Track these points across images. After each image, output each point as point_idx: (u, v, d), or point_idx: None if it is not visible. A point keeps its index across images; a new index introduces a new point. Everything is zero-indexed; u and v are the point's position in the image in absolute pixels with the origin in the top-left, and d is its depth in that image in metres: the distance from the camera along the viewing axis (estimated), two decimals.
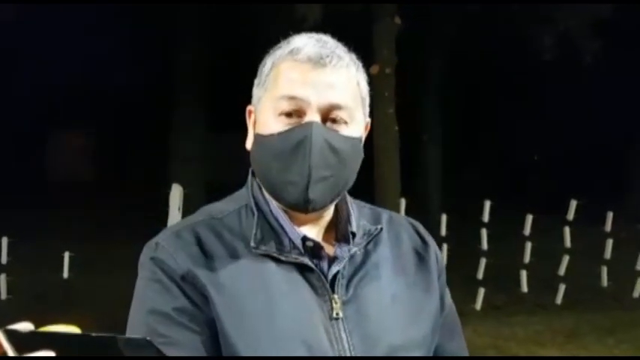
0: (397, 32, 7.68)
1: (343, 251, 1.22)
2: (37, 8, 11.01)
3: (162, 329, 1.12)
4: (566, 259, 7.59)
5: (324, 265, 1.20)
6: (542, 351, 6.04)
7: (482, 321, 6.66)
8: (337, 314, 1.17)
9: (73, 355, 0.74)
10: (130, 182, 14.68)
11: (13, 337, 0.72)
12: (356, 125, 1.22)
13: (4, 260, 7.03)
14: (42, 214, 11.31)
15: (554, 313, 7.21)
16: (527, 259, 7.67)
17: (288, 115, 1.18)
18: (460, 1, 10.19)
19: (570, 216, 7.58)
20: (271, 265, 1.17)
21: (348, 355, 1.15)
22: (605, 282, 8.00)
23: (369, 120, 1.28)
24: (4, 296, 7.03)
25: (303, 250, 1.19)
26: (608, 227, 8.02)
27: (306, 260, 1.18)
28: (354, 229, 1.24)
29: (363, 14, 7.85)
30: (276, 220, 1.21)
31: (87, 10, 11.80)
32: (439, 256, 1.34)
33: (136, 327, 1.15)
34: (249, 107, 1.27)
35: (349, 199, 1.29)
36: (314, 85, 1.17)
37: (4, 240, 7.03)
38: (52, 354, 0.73)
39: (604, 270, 7.98)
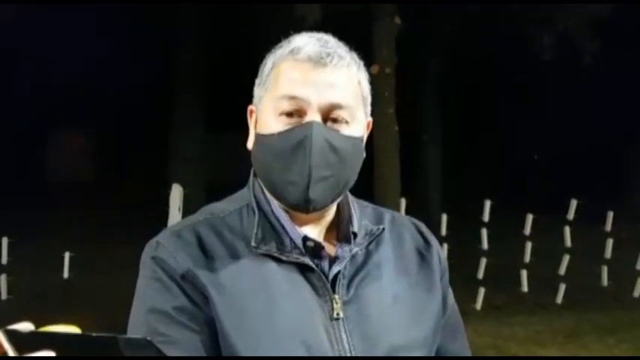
0: (397, 32, 7.68)
1: (344, 251, 1.22)
2: (37, 8, 11.01)
3: (162, 328, 1.12)
4: (566, 258, 7.59)
5: (325, 265, 1.20)
6: (542, 351, 6.04)
7: (483, 321, 6.66)
8: (338, 314, 1.17)
9: (73, 355, 0.74)
10: (130, 182, 14.68)
11: (14, 337, 0.72)
12: (357, 125, 1.21)
13: (4, 260, 7.03)
14: (42, 214, 11.31)
15: (555, 312, 7.21)
16: (527, 258, 7.67)
17: (289, 114, 1.17)
18: (460, 1, 10.19)
19: (570, 216, 7.58)
20: (272, 265, 1.17)
21: (349, 355, 1.15)
22: (605, 282, 8.00)
23: (370, 119, 1.28)
24: (4, 296, 7.03)
25: (304, 250, 1.19)
26: (608, 227, 8.02)
27: (306, 260, 1.18)
28: (355, 229, 1.24)
29: (362, 14, 7.85)
30: (278, 219, 1.21)
31: (87, 10, 11.81)
32: (442, 256, 1.34)
33: (136, 325, 1.16)
34: (250, 107, 1.27)
35: (351, 198, 1.29)
36: (314, 84, 1.17)
37: (4, 240, 7.03)
38: (52, 354, 0.73)
39: (604, 270, 7.98)
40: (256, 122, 1.24)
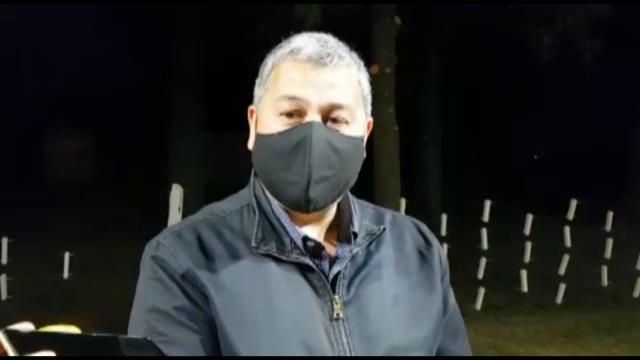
0: (397, 32, 7.68)
1: (345, 251, 1.22)
2: (37, 8, 11.02)
3: (161, 328, 1.12)
4: (566, 258, 7.59)
5: (326, 265, 1.20)
6: (542, 351, 6.04)
7: (482, 321, 6.66)
8: (338, 315, 1.17)
9: (73, 355, 0.74)
10: (130, 182, 14.69)
11: (14, 337, 0.72)
12: (357, 125, 1.21)
13: (4, 260, 7.03)
14: (42, 214, 11.31)
15: (554, 312, 7.21)
16: (527, 258, 7.68)
17: (289, 115, 1.17)
18: (460, 1, 10.19)
19: (570, 216, 7.59)
20: (272, 265, 1.17)
21: (349, 355, 1.15)
22: (605, 282, 8.00)
23: (371, 119, 1.28)
24: (4, 296, 7.03)
25: (304, 250, 1.19)
26: (608, 227, 8.02)
27: (307, 260, 1.18)
28: (355, 229, 1.24)
29: (362, 14, 7.85)
30: (278, 219, 1.21)
31: (86, 10, 11.81)
32: (443, 256, 1.33)
33: (136, 325, 1.16)
34: (250, 107, 1.27)
35: (352, 199, 1.29)
36: (314, 84, 1.16)
37: (4, 240, 7.03)
38: (52, 354, 0.73)
39: (604, 270, 7.98)
40: (257, 122, 1.24)
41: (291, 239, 1.19)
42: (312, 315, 1.15)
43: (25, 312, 5.59)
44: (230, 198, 1.28)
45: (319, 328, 1.14)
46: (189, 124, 11.11)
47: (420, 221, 1.38)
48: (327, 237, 1.24)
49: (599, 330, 6.54)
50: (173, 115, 11.27)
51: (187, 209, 5.29)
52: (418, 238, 1.32)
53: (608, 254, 7.97)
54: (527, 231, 7.61)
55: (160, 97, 12.20)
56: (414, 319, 1.23)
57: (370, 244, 1.25)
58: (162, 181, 9.03)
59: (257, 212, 1.21)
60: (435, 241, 1.34)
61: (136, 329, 1.15)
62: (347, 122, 1.19)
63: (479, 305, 7.17)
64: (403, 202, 7.37)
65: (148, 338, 0.81)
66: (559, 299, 7.47)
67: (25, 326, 0.74)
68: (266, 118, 1.20)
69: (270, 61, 1.23)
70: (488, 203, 7.51)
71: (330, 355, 1.14)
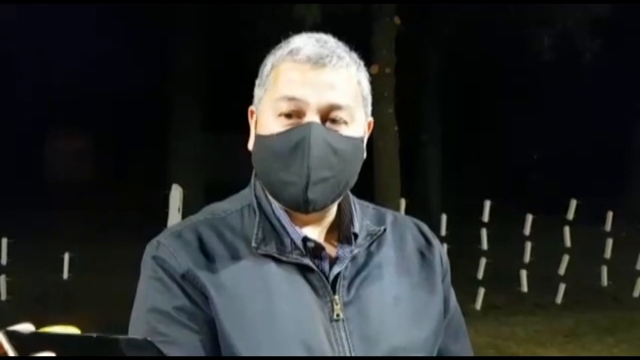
0: (397, 32, 7.68)
1: (345, 252, 1.22)
2: (37, 8, 11.02)
3: (162, 328, 1.12)
4: (566, 258, 7.59)
5: (326, 265, 1.20)
6: (541, 351, 6.04)
7: (482, 321, 6.66)
8: (338, 315, 1.17)
9: (73, 356, 0.74)
10: (130, 182, 14.68)
11: (14, 338, 0.72)
12: (357, 125, 1.21)
13: (3, 261, 7.02)
14: (41, 214, 11.30)
15: (554, 312, 7.21)
16: (527, 258, 7.68)
17: (288, 115, 1.17)
18: (460, 1, 10.19)
19: (570, 216, 7.59)
20: (272, 266, 1.17)
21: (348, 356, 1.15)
22: (605, 282, 8.00)
23: (371, 119, 1.28)
24: (3, 297, 7.03)
25: (304, 251, 1.19)
26: (608, 227, 8.02)
27: (307, 261, 1.18)
28: (356, 229, 1.24)
29: (362, 14, 7.85)
30: (278, 220, 1.21)
31: (86, 10, 11.81)
32: (444, 256, 1.33)
33: (136, 325, 1.16)
34: (250, 108, 1.27)
35: (353, 199, 1.29)
36: (313, 85, 1.16)
37: (4, 240, 7.03)
38: (53, 355, 0.73)
39: (604, 270, 7.98)
40: (256, 123, 1.24)
41: (292, 240, 1.19)
42: (312, 316, 1.15)
43: (25, 312, 5.59)
44: (231, 198, 1.28)
45: (319, 328, 1.14)
46: (189, 124, 11.11)
47: (421, 221, 1.37)
48: (327, 237, 1.24)
49: (599, 330, 6.54)
50: (173, 115, 11.27)
51: (187, 209, 5.29)
52: (419, 239, 1.32)
53: (608, 254, 7.97)
54: (527, 231, 7.61)
55: (159, 97, 12.19)
56: (414, 320, 1.22)
57: (371, 244, 1.25)
58: (162, 181, 9.02)
59: (257, 213, 1.21)
60: (436, 241, 1.34)
61: (136, 329, 1.15)
62: (346, 123, 1.19)
63: (479, 305, 7.17)
64: (403, 202, 7.37)
65: (148, 339, 0.81)
66: (559, 299, 7.47)
67: (26, 327, 0.75)
68: (265, 118, 1.20)
69: (269, 61, 1.23)
70: (488, 203, 7.51)
71: (330, 355, 1.14)
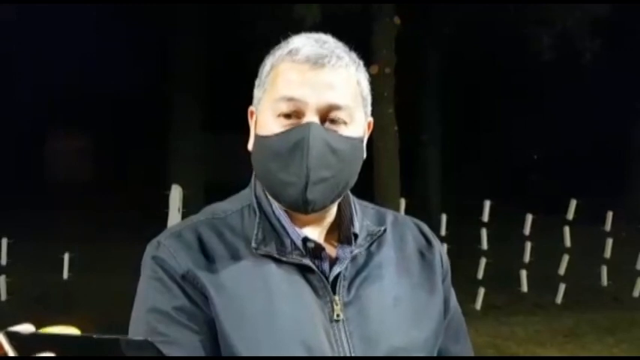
0: (396, 32, 7.68)
1: (345, 252, 1.22)
2: (37, 8, 11.02)
3: (161, 328, 1.12)
4: (566, 258, 7.59)
5: (326, 266, 1.20)
6: (541, 351, 6.04)
7: (482, 320, 6.66)
8: (338, 316, 1.17)
9: (73, 356, 0.74)
10: (130, 183, 14.68)
11: (15, 339, 0.72)
12: (356, 125, 1.21)
13: (3, 261, 7.02)
14: (41, 214, 11.30)
15: (554, 312, 7.21)
16: (527, 258, 7.68)
17: (287, 116, 1.17)
18: (460, 1, 10.19)
19: (570, 216, 7.59)
20: (272, 266, 1.17)
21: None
22: (605, 282, 8.00)
23: (371, 119, 1.27)
24: (3, 297, 7.02)
25: (304, 251, 1.19)
26: (608, 227, 8.03)
27: (307, 261, 1.18)
28: (356, 230, 1.23)
29: (362, 14, 7.85)
30: (278, 220, 1.21)
31: (86, 10, 11.81)
32: (444, 257, 1.33)
33: (136, 325, 1.16)
34: (250, 108, 1.27)
35: (353, 199, 1.29)
36: (312, 85, 1.16)
37: (4, 241, 7.03)
38: (53, 355, 0.73)
39: (604, 270, 7.99)
40: (256, 123, 1.24)
41: (292, 240, 1.19)
42: (312, 316, 1.15)
43: (25, 313, 5.59)
44: (231, 198, 1.28)
45: (319, 329, 1.14)
46: (189, 124, 11.12)
47: (421, 222, 1.37)
48: (327, 238, 1.24)
49: (598, 330, 6.54)
50: (173, 115, 11.27)
51: (187, 209, 5.30)
52: (419, 239, 1.32)
53: (607, 254, 7.97)
54: (526, 231, 7.61)
55: (160, 97, 12.20)
56: (414, 321, 1.22)
57: (371, 244, 1.25)
58: (162, 181, 9.01)
59: (257, 213, 1.21)
60: (436, 241, 1.34)
61: (136, 329, 1.15)
62: (345, 123, 1.19)
63: (479, 305, 7.18)
64: (403, 202, 7.37)
65: (149, 339, 0.81)
66: (559, 299, 7.47)
67: (26, 328, 0.75)
68: (265, 119, 1.20)
69: (268, 62, 1.23)
70: (487, 203, 7.51)
71: (330, 356, 1.14)
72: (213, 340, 1.13)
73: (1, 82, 13.14)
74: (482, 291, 7.21)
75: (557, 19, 9.25)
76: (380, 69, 7.30)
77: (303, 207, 1.16)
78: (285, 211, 1.21)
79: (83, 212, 11.73)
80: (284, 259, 1.17)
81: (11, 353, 0.72)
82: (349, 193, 1.27)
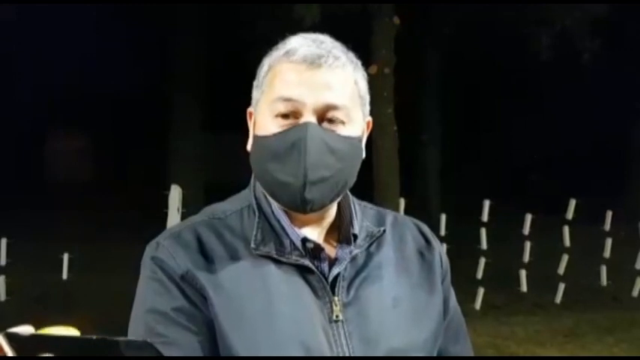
0: (396, 32, 7.68)
1: (344, 253, 1.22)
2: (37, 8, 11.01)
3: (160, 328, 1.12)
4: (565, 258, 7.60)
5: (325, 266, 1.20)
6: (541, 350, 6.04)
7: (482, 320, 6.66)
8: (337, 316, 1.17)
9: (73, 356, 0.74)
10: (130, 183, 14.68)
11: (14, 340, 0.72)
12: (354, 125, 1.21)
13: (3, 261, 7.01)
14: (41, 214, 11.30)
15: (554, 312, 7.21)
16: (526, 258, 7.68)
17: (285, 116, 1.17)
18: (460, 1, 10.19)
19: (570, 215, 7.59)
20: (271, 267, 1.17)
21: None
22: (604, 281, 8.01)
23: (369, 119, 1.28)
24: (3, 297, 7.02)
25: (303, 252, 1.19)
26: (607, 226, 8.03)
27: (306, 262, 1.18)
28: (355, 230, 1.24)
29: (362, 14, 7.85)
30: (278, 221, 1.21)
31: (86, 10, 11.81)
32: (443, 257, 1.33)
33: (135, 325, 1.16)
34: (249, 109, 1.27)
35: (353, 200, 1.29)
36: (309, 85, 1.16)
37: (3, 241, 7.02)
38: (52, 356, 0.73)
39: (603, 269, 7.99)
40: (255, 124, 1.24)
41: (291, 240, 1.19)
42: (311, 317, 1.15)
43: (25, 313, 5.59)
44: (231, 199, 1.28)
45: (318, 329, 1.15)
46: (189, 124, 11.12)
47: (421, 222, 1.37)
48: (327, 238, 1.24)
49: (598, 329, 6.54)
50: (173, 115, 11.27)
51: (187, 210, 5.29)
52: (419, 239, 1.32)
53: (607, 254, 7.97)
54: (526, 231, 7.61)
55: (160, 97, 12.20)
56: (414, 321, 1.22)
57: (370, 245, 1.25)
58: (162, 181, 9.01)
59: (257, 213, 1.21)
60: (436, 242, 1.34)
61: (135, 330, 1.16)
62: (343, 122, 1.19)
63: (478, 305, 7.18)
64: (402, 202, 7.37)
65: (148, 341, 0.81)
66: (558, 299, 7.48)
67: (25, 329, 0.75)
68: (263, 119, 1.20)
69: (266, 63, 1.23)
70: (487, 203, 7.51)
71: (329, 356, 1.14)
72: (212, 341, 1.13)
73: (1, 82, 13.13)
74: (481, 291, 7.21)
75: (557, 19, 9.25)
76: (379, 69, 7.30)
77: (301, 207, 1.17)
78: (285, 212, 1.21)
79: (83, 212, 11.72)
80: (283, 259, 1.17)
81: (11, 354, 0.72)
82: (349, 193, 1.27)
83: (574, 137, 14.80)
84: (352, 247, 1.22)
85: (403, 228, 1.32)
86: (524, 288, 7.68)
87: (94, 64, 13.61)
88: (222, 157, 12.89)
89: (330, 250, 1.22)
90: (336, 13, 7.68)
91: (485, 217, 7.53)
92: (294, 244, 1.19)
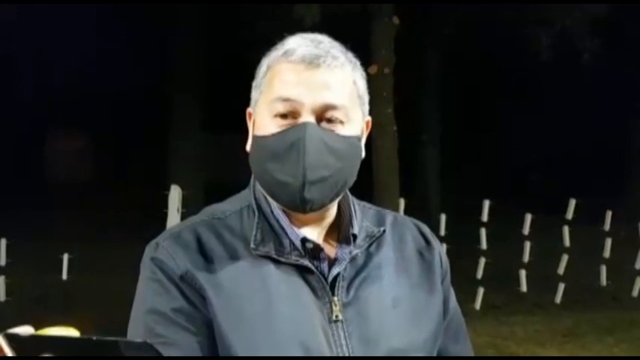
0: (396, 32, 7.68)
1: (344, 253, 1.22)
2: (37, 8, 11.01)
3: (159, 329, 1.12)
4: (565, 258, 7.60)
5: (325, 266, 1.20)
6: (541, 350, 6.04)
7: (482, 320, 6.66)
8: (337, 317, 1.17)
9: (73, 356, 0.74)
10: (130, 182, 14.67)
11: (14, 340, 0.72)
12: (353, 124, 1.21)
13: (2, 262, 7.01)
14: (41, 214, 11.30)
15: (554, 312, 7.21)
16: (526, 258, 7.68)
17: (283, 116, 1.18)
18: (459, 0, 10.19)
19: (569, 215, 7.59)
20: (271, 267, 1.17)
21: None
22: (604, 281, 8.01)
23: (369, 118, 1.28)
24: (2, 298, 7.02)
25: (303, 252, 1.19)
26: (607, 226, 8.03)
27: (305, 262, 1.18)
28: (355, 230, 1.24)
29: (361, 14, 7.85)
30: (277, 221, 1.21)
31: (86, 10, 11.81)
32: (443, 257, 1.33)
33: (135, 326, 1.17)
34: (248, 110, 1.27)
35: (353, 200, 1.29)
36: (307, 85, 1.17)
37: (3, 241, 7.02)
38: (52, 356, 0.73)
39: (603, 269, 7.99)
40: (254, 125, 1.24)
41: (290, 240, 1.19)
42: (311, 317, 1.15)
43: (24, 313, 5.59)
44: (231, 199, 1.28)
45: (318, 330, 1.15)
46: (189, 124, 11.11)
47: (421, 222, 1.38)
48: (326, 238, 1.24)
49: (598, 329, 6.54)
50: (173, 115, 11.27)
51: (187, 210, 5.30)
52: (419, 239, 1.32)
53: (607, 254, 7.97)
54: (526, 231, 7.61)
55: (160, 97, 12.19)
56: (413, 322, 1.22)
57: (370, 245, 1.25)
58: (162, 181, 9.01)
59: (257, 213, 1.21)
60: (435, 242, 1.34)
61: (134, 330, 1.16)
62: (342, 122, 1.19)
63: (478, 305, 7.18)
64: (402, 202, 7.37)
65: (148, 341, 0.82)
66: (558, 299, 7.48)
67: (25, 330, 0.75)
68: (262, 120, 1.21)
69: (264, 63, 1.24)
70: (487, 203, 7.51)
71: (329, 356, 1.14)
72: (212, 342, 1.13)
73: (1, 82, 13.13)
74: (481, 291, 7.22)
75: (557, 19, 9.25)
76: (379, 69, 7.30)
77: (301, 206, 1.17)
78: (285, 212, 1.21)
79: (83, 212, 11.72)
80: (283, 259, 1.17)
81: (10, 355, 0.72)
82: (348, 193, 1.28)
83: (574, 137, 14.80)
84: (352, 247, 1.22)
85: (403, 228, 1.32)
86: (524, 288, 7.68)
87: (94, 64, 13.60)
88: (222, 157, 12.89)
89: (330, 250, 1.22)
90: (336, 13, 7.68)
91: (485, 217, 7.53)
92: (293, 244, 1.19)
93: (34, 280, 7.52)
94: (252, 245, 1.18)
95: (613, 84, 12.64)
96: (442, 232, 7.42)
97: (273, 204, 1.22)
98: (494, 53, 12.63)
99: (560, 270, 7.57)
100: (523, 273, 7.68)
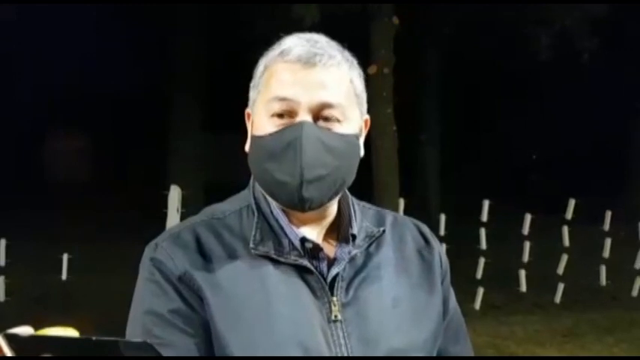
0: (395, 32, 7.68)
1: (343, 253, 1.22)
2: (37, 8, 11.01)
3: (156, 330, 1.13)
4: (565, 258, 7.60)
5: (324, 266, 1.20)
6: (541, 350, 6.04)
7: (481, 320, 6.66)
8: (336, 317, 1.17)
9: (73, 356, 0.74)
10: (130, 182, 14.67)
11: (14, 341, 0.72)
12: (350, 123, 1.21)
13: (2, 262, 7.01)
14: (41, 214, 11.29)
15: (553, 312, 7.21)
16: (526, 258, 7.68)
17: (280, 116, 1.18)
18: (459, 0, 10.19)
19: (569, 215, 7.59)
20: (270, 267, 1.17)
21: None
22: (604, 281, 8.00)
23: (367, 117, 1.28)
24: (2, 298, 7.02)
25: (302, 252, 1.19)
26: (606, 226, 8.02)
27: (304, 262, 1.18)
28: (354, 230, 1.24)
29: (361, 14, 7.85)
30: (276, 221, 1.21)
31: (86, 10, 11.80)
32: (443, 257, 1.33)
33: (133, 327, 1.17)
34: (247, 110, 1.27)
35: (353, 200, 1.29)
36: (304, 84, 1.17)
37: (3, 241, 7.01)
38: (52, 356, 0.73)
39: (603, 269, 7.99)
40: (252, 125, 1.25)
41: (290, 240, 1.20)
42: (310, 317, 1.15)
43: (24, 314, 5.59)
44: (231, 199, 1.28)
45: (317, 330, 1.15)
46: (189, 124, 11.11)
47: (421, 222, 1.38)
48: (326, 238, 1.24)
49: (598, 329, 6.54)
50: (173, 115, 11.27)
51: (187, 210, 5.30)
52: (419, 240, 1.32)
53: (606, 253, 7.97)
54: (525, 231, 7.61)
55: (160, 97, 12.19)
56: (413, 322, 1.22)
57: (370, 245, 1.25)
58: (162, 181, 9.01)
59: (256, 213, 1.22)
60: (435, 242, 1.34)
61: (132, 331, 1.16)
62: (339, 121, 1.19)
63: (478, 305, 7.18)
64: (402, 201, 7.36)
65: (148, 341, 0.82)
66: (558, 299, 7.47)
67: (25, 330, 0.75)
68: (259, 119, 1.21)
69: (262, 63, 1.24)
70: (486, 203, 7.51)
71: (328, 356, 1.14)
72: (209, 343, 1.13)
73: (1, 82, 13.12)
74: (481, 291, 7.21)
75: (557, 19, 9.25)
76: (379, 69, 7.30)
77: (299, 205, 1.17)
78: (284, 212, 1.21)
79: (83, 212, 11.71)
80: (282, 259, 1.18)
81: (10, 355, 0.72)
82: (348, 193, 1.28)
83: (574, 137, 14.79)
84: (351, 247, 1.22)
85: (403, 228, 1.32)
86: (523, 288, 7.68)
87: (94, 64, 13.59)
88: (222, 157, 12.87)
89: (329, 250, 1.22)
90: (335, 13, 7.68)
91: (484, 217, 7.53)
92: (292, 244, 1.19)
93: (34, 280, 7.52)
94: (251, 245, 1.18)
95: (613, 84, 12.63)
96: (442, 232, 7.42)
97: (273, 204, 1.22)
98: (494, 53, 12.62)
99: (560, 270, 7.57)
100: (523, 273, 7.68)
